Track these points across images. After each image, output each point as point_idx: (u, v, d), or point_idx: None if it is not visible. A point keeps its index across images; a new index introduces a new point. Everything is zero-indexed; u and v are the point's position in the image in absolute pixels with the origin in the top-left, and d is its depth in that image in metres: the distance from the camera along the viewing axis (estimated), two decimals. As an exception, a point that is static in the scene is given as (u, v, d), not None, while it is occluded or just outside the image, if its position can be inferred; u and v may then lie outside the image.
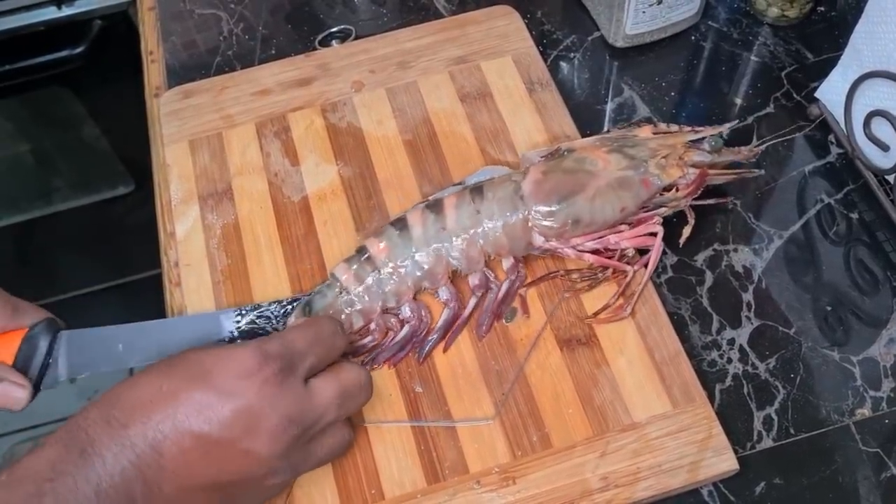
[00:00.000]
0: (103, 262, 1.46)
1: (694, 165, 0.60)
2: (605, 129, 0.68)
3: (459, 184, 0.61)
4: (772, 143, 0.67)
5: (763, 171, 0.65)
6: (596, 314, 0.57)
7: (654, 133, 0.61)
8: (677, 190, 0.59)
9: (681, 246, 0.61)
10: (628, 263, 0.58)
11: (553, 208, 0.56)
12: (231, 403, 0.44)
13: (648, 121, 0.64)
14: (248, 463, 0.45)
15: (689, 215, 0.61)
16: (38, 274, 1.43)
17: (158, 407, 0.43)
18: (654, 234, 0.58)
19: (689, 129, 0.62)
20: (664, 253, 0.62)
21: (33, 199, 1.38)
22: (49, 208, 1.38)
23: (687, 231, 0.61)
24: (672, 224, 0.60)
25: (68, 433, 0.43)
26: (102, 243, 1.45)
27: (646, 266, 0.58)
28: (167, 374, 0.45)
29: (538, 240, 0.58)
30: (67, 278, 1.46)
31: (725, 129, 0.63)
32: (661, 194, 0.59)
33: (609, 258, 0.58)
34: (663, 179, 0.59)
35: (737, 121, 0.65)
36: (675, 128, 0.62)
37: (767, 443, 0.55)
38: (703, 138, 0.61)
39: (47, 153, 1.32)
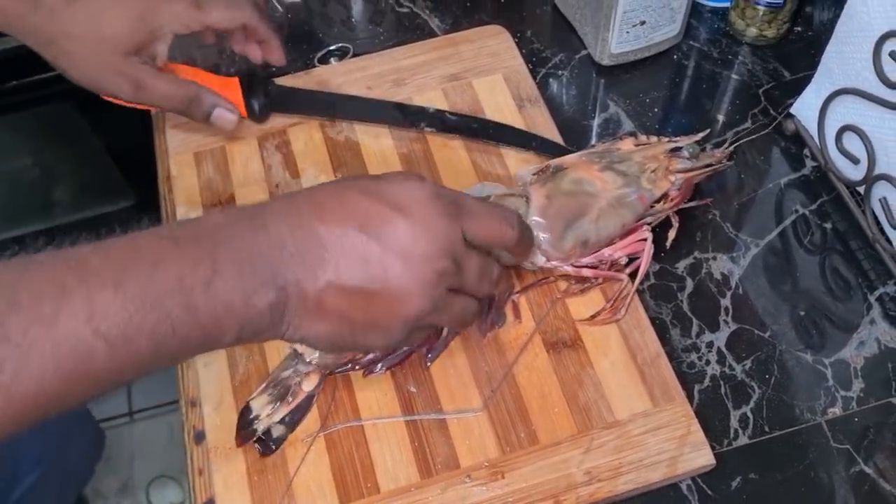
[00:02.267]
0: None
1: (679, 172, 0.63)
2: (592, 143, 0.71)
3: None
4: (745, 141, 0.71)
5: (734, 162, 0.68)
6: (593, 317, 0.60)
7: (636, 145, 0.64)
8: (667, 199, 0.63)
9: (668, 247, 0.64)
10: (618, 271, 0.61)
11: (562, 233, 0.59)
12: (398, 216, 0.45)
13: (631, 134, 0.67)
14: (397, 278, 0.46)
15: (673, 219, 0.64)
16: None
17: (334, 208, 0.45)
18: (643, 240, 0.62)
19: (667, 139, 0.65)
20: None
21: (35, 212, 1.40)
22: (50, 222, 1.40)
23: (672, 234, 0.64)
24: (655, 231, 0.63)
25: (245, 211, 0.46)
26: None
27: (635, 273, 0.61)
28: (343, 185, 0.47)
29: (540, 260, 0.60)
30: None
31: (699, 137, 0.66)
32: (652, 205, 0.62)
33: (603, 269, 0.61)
34: (655, 193, 0.62)
35: (708, 129, 0.68)
36: (654, 139, 0.65)
37: (743, 440, 0.57)
38: (681, 147, 0.64)
39: (50, 167, 1.34)
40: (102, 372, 0.40)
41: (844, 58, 0.63)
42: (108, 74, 0.63)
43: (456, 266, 0.48)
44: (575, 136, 0.72)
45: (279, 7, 0.85)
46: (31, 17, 0.61)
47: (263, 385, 0.58)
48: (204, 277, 0.42)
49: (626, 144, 0.65)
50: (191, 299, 0.41)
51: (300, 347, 0.56)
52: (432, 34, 0.80)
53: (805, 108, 0.69)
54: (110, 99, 0.66)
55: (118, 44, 0.62)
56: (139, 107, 0.66)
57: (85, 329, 0.38)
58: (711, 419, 0.58)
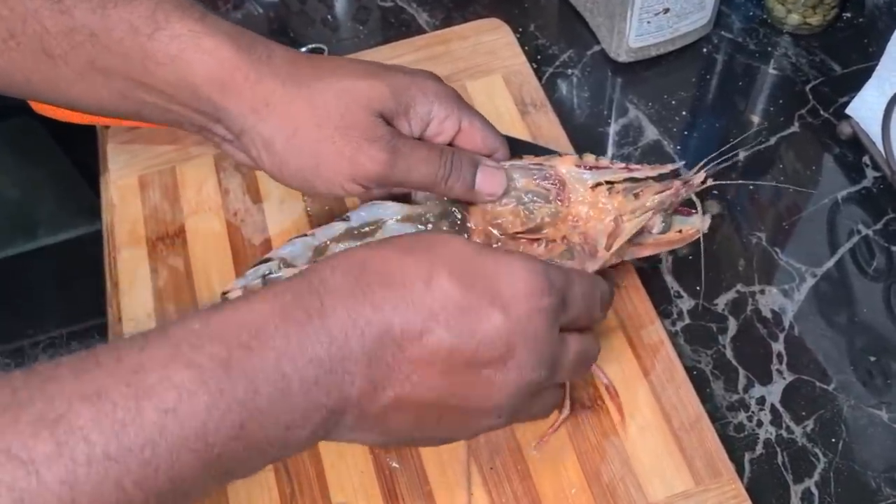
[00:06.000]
0: (84, 300, 1.40)
1: (636, 246, 0.50)
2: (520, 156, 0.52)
3: (345, 219, 0.50)
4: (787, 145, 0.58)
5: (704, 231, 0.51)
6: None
7: (578, 166, 0.49)
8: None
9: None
10: None
11: None
12: (499, 321, 0.36)
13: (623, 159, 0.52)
14: (483, 394, 0.37)
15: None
16: (19, 312, 1.37)
17: (416, 297, 0.35)
18: None
19: (622, 165, 0.49)
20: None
21: (15, 234, 1.33)
22: (28, 245, 1.33)
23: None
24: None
25: (297, 294, 0.35)
26: (82, 281, 1.39)
27: None
28: (429, 260, 0.37)
29: None
30: (46, 317, 1.40)
31: (669, 168, 0.50)
32: None
33: None
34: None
35: (683, 162, 0.54)
36: (604, 161, 0.49)
37: (808, 523, 0.46)
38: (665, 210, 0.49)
39: (22, 187, 1.26)
40: None
41: (918, 45, 0.52)
42: (356, 142, 0.45)
43: (550, 373, 0.39)
44: (588, 146, 0.61)
45: (259, 8, 0.75)
46: (253, 73, 0.45)
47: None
48: (236, 421, 0.32)
49: (567, 163, 0.49)
50: (211, 454, 0.31)
51: None
52: (420, 31, 0.70)
53: (864, 107, 0.58)
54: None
55: (371, 103, 0.46)
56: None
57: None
58: (766, 496, 0.47)
